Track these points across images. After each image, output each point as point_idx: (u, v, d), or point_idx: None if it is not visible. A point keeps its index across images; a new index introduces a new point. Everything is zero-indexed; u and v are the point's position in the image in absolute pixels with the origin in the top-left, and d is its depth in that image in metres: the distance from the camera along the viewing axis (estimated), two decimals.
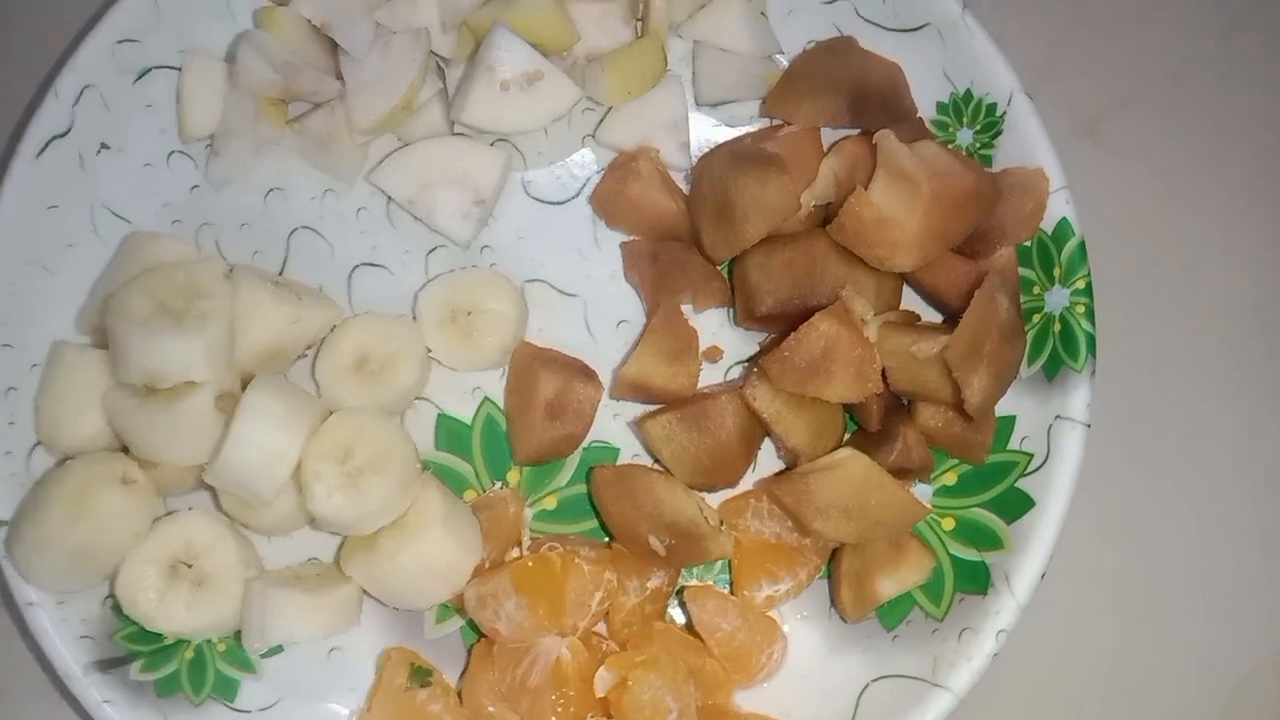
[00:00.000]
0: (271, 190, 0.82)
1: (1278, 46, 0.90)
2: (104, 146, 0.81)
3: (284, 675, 0.75)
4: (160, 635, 0.73)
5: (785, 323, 0.74)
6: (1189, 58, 0.90)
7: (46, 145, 0.78)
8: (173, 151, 0.82)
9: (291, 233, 0.81)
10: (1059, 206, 0.76)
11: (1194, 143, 0.87)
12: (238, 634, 0.74)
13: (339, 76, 0.80)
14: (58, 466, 0.74)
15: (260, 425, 0.69)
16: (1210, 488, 0.81)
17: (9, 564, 0.72)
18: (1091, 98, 0.89)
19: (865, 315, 0.74)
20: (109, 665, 0.72)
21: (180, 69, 0.81)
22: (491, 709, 0.71)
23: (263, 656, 0.75)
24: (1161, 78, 0.89)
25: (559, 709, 0.69)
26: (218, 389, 0.70)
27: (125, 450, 0.74)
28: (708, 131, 0.83)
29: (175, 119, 0.82)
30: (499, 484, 0.78)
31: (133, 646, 0.73)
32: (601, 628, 0.74)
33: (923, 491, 0.76)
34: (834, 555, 0.75)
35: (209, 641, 0.75)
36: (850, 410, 0.77)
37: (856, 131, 0.80)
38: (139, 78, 0.81)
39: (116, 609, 0.73)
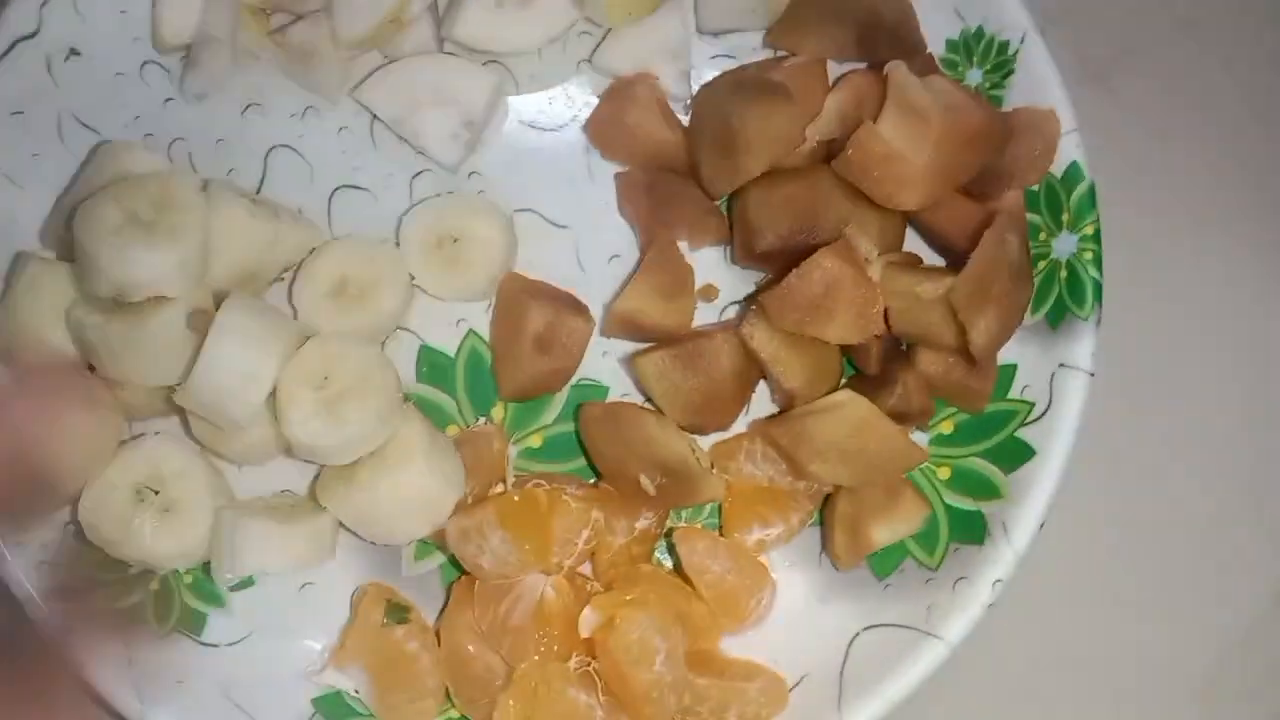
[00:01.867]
0: (250, 105, 0.78)
1: None
2: (73, 52, 0.76)
3: (254, 610, 0.72)
4: (124, 564, 0.70)
5: (784, 261, 0.71)
6: (1198, 4, 0.88)
7: (11, 47, 0.74)
8: (146, 61, 0.78)
9: (270, 151, 0.78)
10: (1069, 150, 0.74)
11: (1204, 91, 0.86)
12: (206, 566, 0.71)
13: None
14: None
15: (234, 345, 0.66)
16: (1213, 440, 0.79)
17: None
18: (1099, 44, 0.86)
19: (869, 254, 0.71)
20: (69, 594, 0.69)
21: None
22: (470, 648, 0.68)
23: (232, 590, 0.72)
24: (1172, 25, 0.87)
25: (542, 648, 0.67)
26: (189, 305, 0.67)
27: (91, 368, 0.70)
28: (709, 61, 0.80)
29: (149, 26, 0.77)
30: (483, 420, 0.75)
31: (95, 574, 0.70)
32: (587, 570, 0.72)
33: (920, 439, 0.74)
34: (827, 501, 0.73)
35: (175, 572, 0.72)
36: (848, 353, 0.75)
37: (863, 66, 0.78)
38: None
39: (79, 535, 0.69)
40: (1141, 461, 0.79)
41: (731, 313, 0.78)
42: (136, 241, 0.66)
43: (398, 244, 0.76)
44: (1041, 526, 0.70)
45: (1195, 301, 0.82)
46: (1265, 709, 0.76)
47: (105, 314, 0.67)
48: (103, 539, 0.68)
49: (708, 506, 0.74)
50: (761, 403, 0.76)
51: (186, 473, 0.70)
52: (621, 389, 0.76)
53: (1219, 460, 0.79)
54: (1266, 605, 0.77)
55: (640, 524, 0.71)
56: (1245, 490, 0.79)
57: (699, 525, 0.74)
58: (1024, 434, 0.72)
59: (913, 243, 0.77)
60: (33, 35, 0.75)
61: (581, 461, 0.75)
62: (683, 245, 0.77)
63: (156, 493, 0.69)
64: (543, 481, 0.71)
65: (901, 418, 0.71)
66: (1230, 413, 0.80)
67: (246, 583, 0.72)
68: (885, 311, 0.71)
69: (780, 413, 0.74)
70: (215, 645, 0.71)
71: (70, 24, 0.76)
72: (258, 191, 0.77)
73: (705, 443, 0.74)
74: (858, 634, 0.71)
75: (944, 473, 0.74)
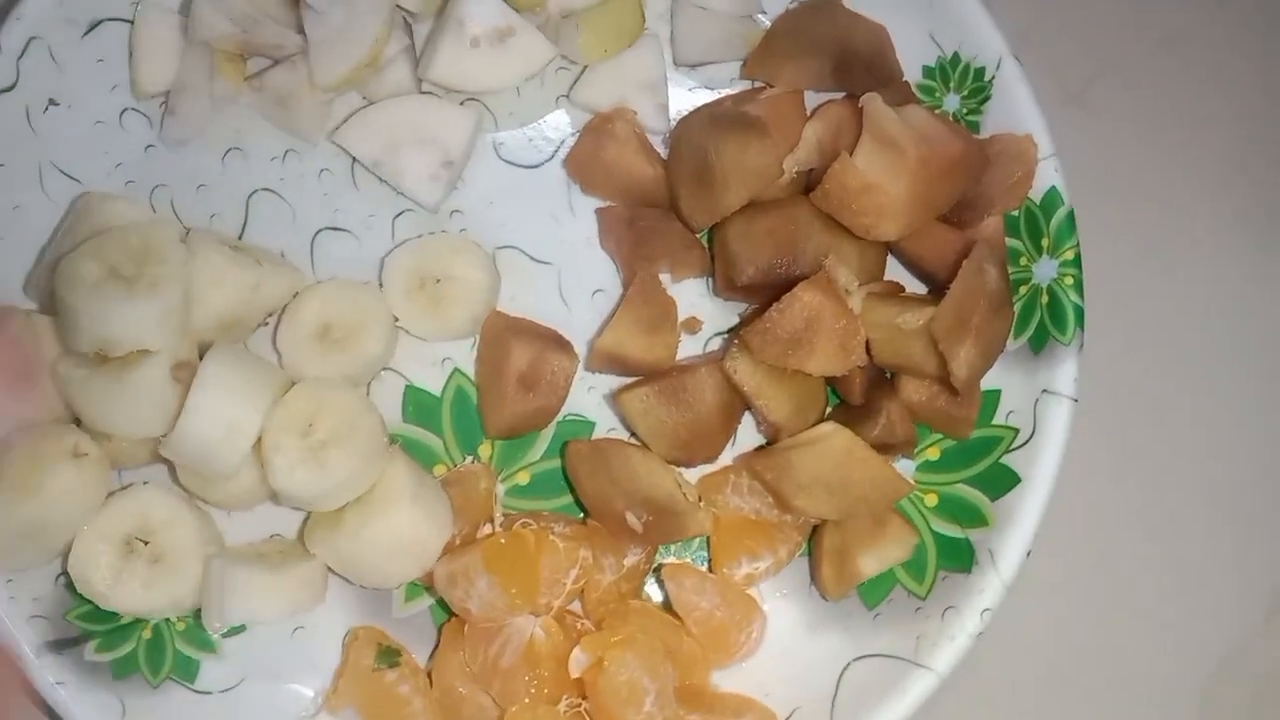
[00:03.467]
0: (230, 150, 0.78)
1: (1268, 12, 0.88)
2: (52, 103, 0.77)
3: (246, 655, 0.72)
4: (116, 614, 0.70)
5: (766, 293, 0.72)
6: (1177, 22, 0.88)
7: None
8: (126, 109, 0.78)
9: (251, 195, 0.78)
10: (1048, 175, 0.74)
11: (1183, 109, 0.86)
12: (197, 613, 0.71)
13: (300, 30, 0.76)
14: (4, 438, 0.70)
15: (218, 396, 0.66)
16: (1197, 465, 0.79)
17: None
18: (1076, 64, 0.86)
19: (849, 286, 0.72)
20: (62, 646, 0.69)
21: (133, 21, 0.77)
22: (462, 690, 0.69)
23: (224, 636, 0.72)
24: (1149, 43, 0.87)
25: (532, 690, 0.67)
26: (173, 358, 0.67)
27: (77, 422, 0.70)
28: (686, 93, 0.80)
29: (128, 74, 0.78)
30: (470, 458, 0.76)
31: (87, 626, 0.71)
32: (576, 606, 0.72)
33: (905, 467, 0.75)
34: (814, 532, 0.73)
35: (167, 620, 0.72)
36: (832, 384, 0.75)
37: (840, 95, 0.78)
38: (89, 30, 0.77)
39: (70, 587, 0.70)
40: (1128, 485, 0.79)
41: (716, 344, 0.78)
42: (117, 297, 0.66)
43: (381, 285, 0.76)
44: (1028, 554, 0.70)
45: (1179, 323, 0.82)
46: None
47: (89, 368, 0.68)
48: (93, 592, 0.68)
49: (696, 541, 0.74)
50: (748, 434, 0.76)
51: (175, 521, 0.70)
52: (608, 423, 0.76)
53: (1205, 481, 0.79)
54: (1258, 624, 0.77)
55: (628, 560, 0.71)
56: (1232, 511, 0.79)
57: (688, 560, 0.74)
58: (1009, 460, 0.72)
59: (895, 270, 0.77)
60: (11, 88, 0.75)
61: (569, 497, 0.75)
62: (665, 278, 0.77)
63: (146, 543, 0.69)
64: (530, 521, 0.71)
65: (886, 448, 0.71)
66: (1215, 433, 0.80)
67: (238, 629, 0.72)
68: (867, 342, 0.71)
69: (766, 445, 0.74)
70: (208, 692, 0.71)
71: (48, 75, 0.76)
72: (240, 236, 0.77)
73: (692, 476, 0.74)
74: (848, 664, 0.71)
75: (931, 499, 0.74)
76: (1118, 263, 0.81)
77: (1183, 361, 0.81)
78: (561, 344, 0.76)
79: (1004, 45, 0.76)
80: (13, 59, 0.75)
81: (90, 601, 0.69)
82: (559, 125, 0.80)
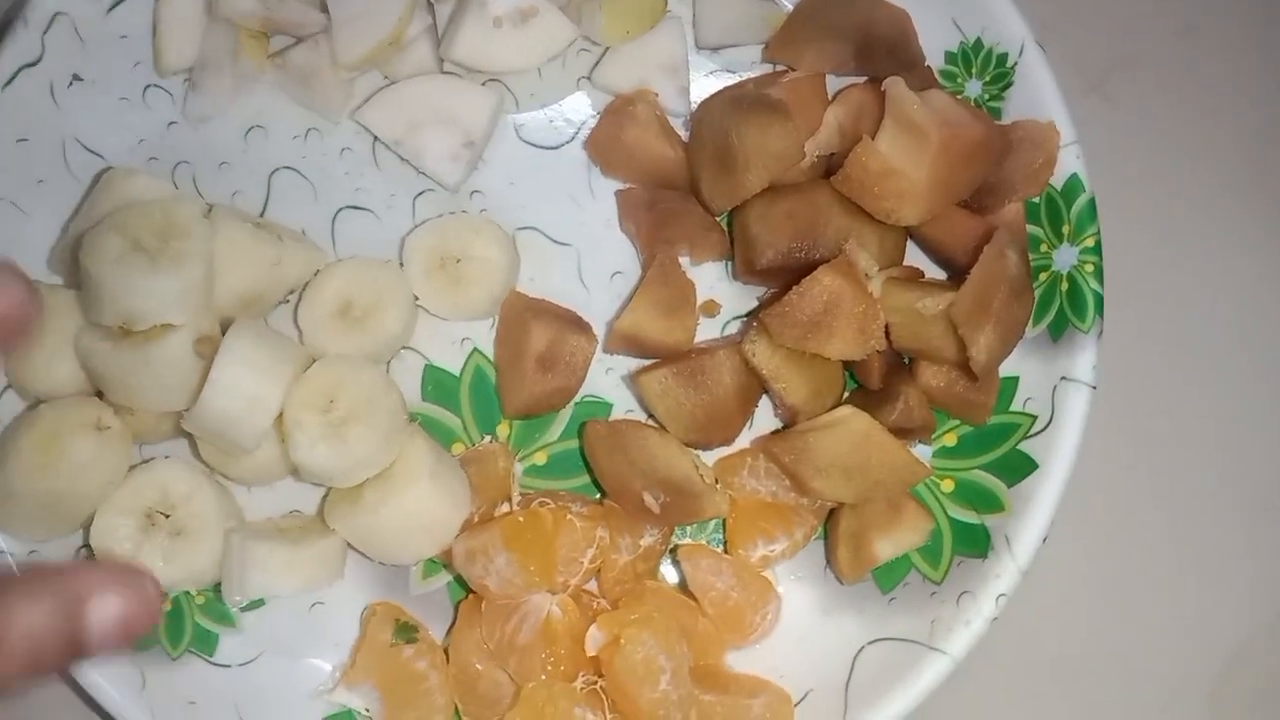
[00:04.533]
0: (252, 128, 0.79)
1: None
2: (76, 78, 0.77)
3: (265, 630, 0.73)
4: None
5: (785, 277, 0.72)
6: (1197, 13, 0.87)
7: (15, 75, 0.75)
8: (149, 85, 0.78)
9: (273, 173, 0.78)
10: (1069, 162, 0.74)
11: (1204, 98, 0.85)
12: (217, 587, 0.72)
13: (323, 9, 0.76)
14: (28, 411, 0.71)
15: (240, 371, 0.67)
16: (1213, 455, 0.79)
17: None
18: (1096, 54, 0.86)
19: (869, 270, 0.72)
20: None
21: None
22: (479, 666, 0.69)
23: (243, 610, 0.73)
24: (1169, 33, 0.87)
25: (548, 667, 0.68)
26: (195, 332, 0.67)
27: (99, 395, 0.71)
28: (707, 76, 0.80)
29: (151, 51, 0.78)
30: (488, 438, 0.76)
31: None
32: (592, 586, 0.73)
33: (922, 452, 0.75)
34: (831, 516, 0.74)
35: (187, 594, 0.72)
36: (851, 368, 0.75)
37: (862, 79, 0.78)
38: (113, 6, 0.77)
39: (91, 559, 0.70)
40: (1144, 474, 0.79)
41: (734, 327, 0.78)
42: (141, 270, 0.66)
43: (401, 264, 0.76)
44: (1044, 540, 0.70)
45: (1197, 312, 0.82)
46: (1273, 716, 0.77)
47: (112, 341, 0.68)
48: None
49: (712, 522, 0.75)
50: (765, 417, 0.76)
51: (196, 495, 0.70)
52: (625, 405, 0.77)
53: (1221, 472, 0.79)
54: (1271, 616, 0.77)
55: (645, 541, 0.71)
56: (1248, 500, 0.79)
57: (703, 541, 0.74)
58: (1026, 447, 0.72)
59: (915, 255, 0.77)
60: (36, 62, 0.75)
61: (586, 478, 0.75)
62: (684, 261, 0.77)
63: (167, 516, 0.70)
64: (548, 500, 0.71)
65: (904, 433, 0.72)
66: (1233, 424, 0.80)
67: (257, 603, 0.73)
68: (886, 327, 0.71)
69: (783, 428, 0.74)
70: (227, 666, 0.72)
71: (73, 50, 0.76)
72: (262, 213, 0.78)
73: (709, 458, 0.74)
74: (863, 648, 0.71)
75: (947, 485, 0.74)
76: (1136, 252, 0.81)
77: (1200, 352, 0.81)
78: (580, 325, 0.76)
79: (1027, 31, 0.76)
80: (38, 34, 0.75)
81: None
82: (580, 107, 0.80)
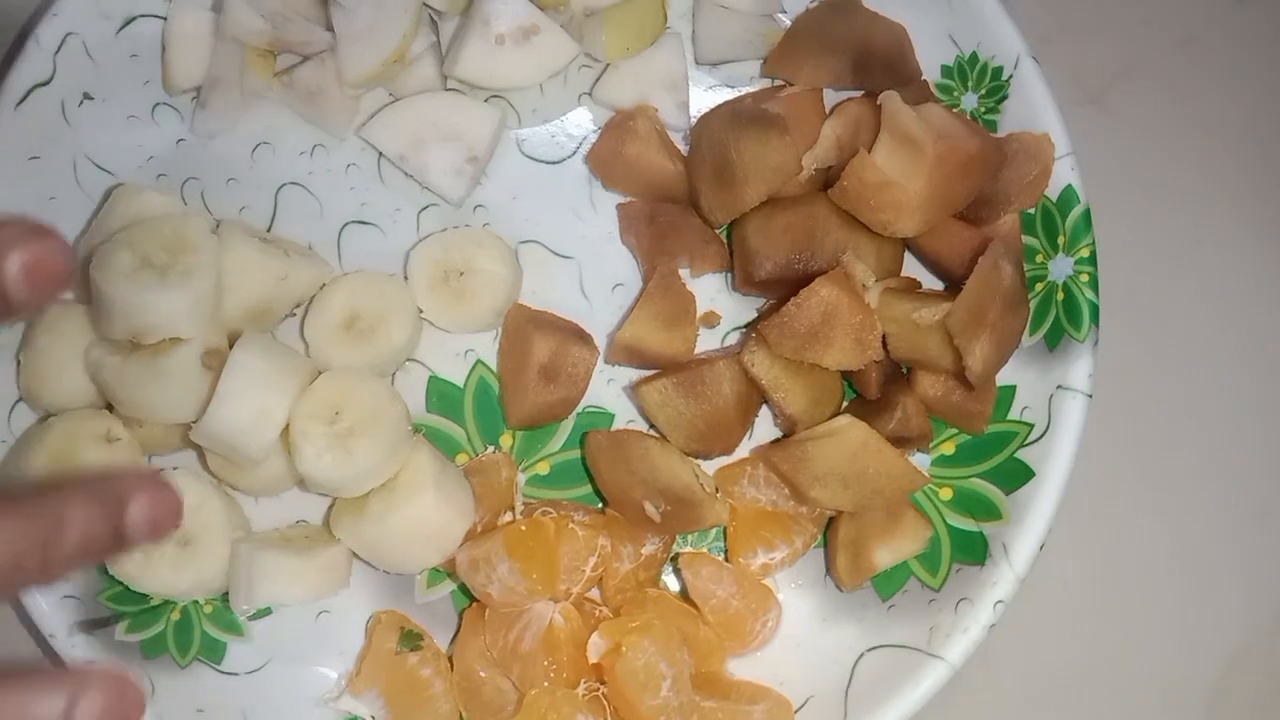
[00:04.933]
0: (259, 145, 0.80)
1: None
2: (87, 97, 0.78)
3: (272, 638, 0.74)
4: (146, 596, 0.72)
5: (784, 288, 0.73)
6: (1196, 25, 0.88)
7: (28, 94, 0.76)
8: (158, 103, 0.80)
9: (280, 188, 0.80)
10: (1064, 173, 0.75)
11: (1202, 109, 0.86)
12: (225, 596, 0.73)
13: (329, 27, 0.78)
14: (39, 424, 0.72)
15: (248, 383, 0.68)
16: (1209, 463, 0.80)
17: None
18: (1095, 65, 0.87)
19: (866, 281, 0.73)
20: (93, 626, 0.71)
21: (166, 18, 0.79)
22: (483, 673, 0.70)
23: (250, 619, 0.74)
24: (1168, 45, 0.88)
25: (551, 674, 0.68)
26: (204, 345, 0.69)
27: (109, 408, 0.72)
28: (707, 91, 0.81)
29: (160, 70, 0.79)
30: (491, 448, 0.77)
31: (118, 607, 0.72)
32: (595, 594, 0.74)
33: (921, 461, 0.75)
34: (830, 524, 0.74)
35: (195, 603, 0.73)
36: (849, 378, 0.76)
37: (859, 94, 0.79)
38: (123, 26, 0.79)
39: (101, 569, 0.71)
40: (1141, 481, 0.80)
41: (734, 338, 0.79)
42: (151, 285, 0.67)
43: (406, 278, 0.78)
44: (1041, 548, 0.71)
45: (1193, 321, 0.83)
46: None
47: (122, 354, 0.69)
48: (124, 573, 0.70)
49: (713, 531, 0.75)
50: (765, 427, 0.77)
51: (204, 506, 0.71)
52: (627, 415, 0.78)
53: (1217, 477, 0.80)
54: (1268, 621, 0.78)
55: (646, 549, 0.72)
56: (1244, 506, 0.80)
57: (704, 550, 0.75)
58: (1024, 455, 0.73)
59: (912, 267, 0.78)
60: (48, 82, 0.77)
61: (588, 487, 0.76)
62: (684, 273, 0.78)
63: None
64: (550, 509, 0.72)
65: (902, 441, 0.72)
66: (1228, 431, 0.81)
67: (264, 612, 0.74)
68: (883, 337, 0.72)
69: (783, 437, 0.75)
70: (235, 674, 0.73)
71: (83, 69, 0.78)
72: (269, 228, 0.79)
73: (709, 468, 0.75)
74: (862, 655, 0.72)
75: (946, 493, 0.75)
76: (1134, 263, 0.82)
77: (1196, 360, 0.82)
78: (582, 337, 0.77)
79: (1022, 45, 0.77)
80: (49, 54, 0.77)
81: (121, 583, 0.71)
82: (581, 122, 0.81)
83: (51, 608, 0.70)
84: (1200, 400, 0.81)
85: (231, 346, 0.70)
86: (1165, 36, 0.88)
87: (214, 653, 0.73)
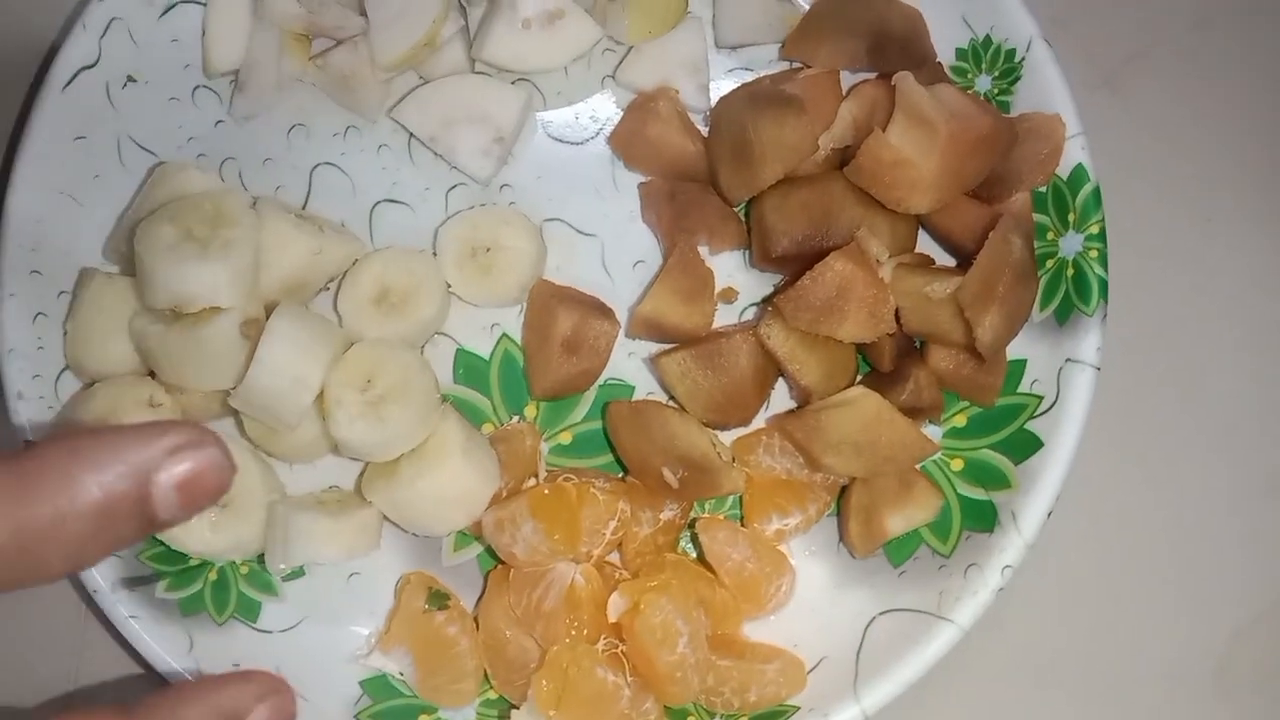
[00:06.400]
0: (295, 126, 0.83)
1: None
2: (130, 80, 0.82)
3: (305, 598, 0.77)
4: (185, 556, 0.75)
5: (800, 264, 0.75)
6: (1209, 7, 0.89)
7: (75, 76, 0.79)
8: (198, 86, 0.83)
9: (314, 168, 0.83)
10: (1075, 152, 0.77)
11: (1213, 92, 0.87)
12: (260, 558, 0.76)
13: (362, 13, 0.81)
14: (85, 390, 0.76)
15: (284, 350, 0.71)
16: (1218, 435, 0.81)
17: None
18: (1108, 48, 0.88)
19: (880, 256, 0.75)
20: (135, 583, 0.74)
21: (205, 3, 0.82)
22: (507, 632, 0.73)
23: (284, 580, 0.77)
24: (1180, 27, 0.89)
25: (572, 632, 0.71)
26: (243, 315, 0.72)
27: (151, 375, 0.75)
28: (727, 74, 0.83)
29: (200, 54, 0.82)
30: (516, 418, 0.80)
31: (158, 566, 0.75)
32: (615, 559, 0.76)
33: (933, 433, 0.77)
34: (843, 493, 0.77)
35: (232, 564, 0.76)
36: (863, 351, 0.78)
37: (874, 75, 0.81)
38: (165, 12, 0.82)
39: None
40: (1148, 452, 0.81)
41: (751, 314, 0.81)
42: (192, 257, 0.70)
43: (435, 254, 0.80)
44: (1050, 515, 0.73)
45: (1201, 298, 0.84)
46: (1277, 693, 0.78)
47: (164, 324, 0.72)
48: (165, 533, 0.73)
49: (729, 498, 0.78)
50: (780, 399, 0.79)
51: (242, 469, 0.74)
52: (646, 387, 0.80)
53: (1225, 451, 0.81)
54: (1277, 593, 0.79)
55: (665, 515, 0.75)
56: (1251, 480, 0.81)
57: (721, 516, 0.77)
58: (1033, 426, 0.75)
59: (925, 244, 0.80)
60: (93, 65, 0.80)
61: (609, 457, 0.79)
62: (703, 250, 0.80)
63: None
64: (572, 476, 0.75)
65: (914, 412, 0.74)
66: (1236, 405, 0.82)
67: (298, 573, 0.77)
68: (896, 310, 0.74)
69: (797, 408, 0.77)
70: (269, 631, 0.76)
71: (128, 53, 0.81)
72: (303, 207, 0.82)
73: (726, 438, 0.77)
74: (874, 618, 0.74)
75: (957, 464, 0.77)
76: (1144, 241, 0.83)
77: (1205, 337, 0.83)
78: (604, 311, 0.80)
79: (1035, 27, 0.78)
80: (95, 38, 0.80)
81: (162, 543, 0.74)
82: (604, 104, 0.84)
83: (97, 565, 0.74)
84: (1207, 375, 0.82)
85: (268, 317, 0.72)
86: (1178, 19, 0.89)
87: (250, 611, 0.76)
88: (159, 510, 0.42)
